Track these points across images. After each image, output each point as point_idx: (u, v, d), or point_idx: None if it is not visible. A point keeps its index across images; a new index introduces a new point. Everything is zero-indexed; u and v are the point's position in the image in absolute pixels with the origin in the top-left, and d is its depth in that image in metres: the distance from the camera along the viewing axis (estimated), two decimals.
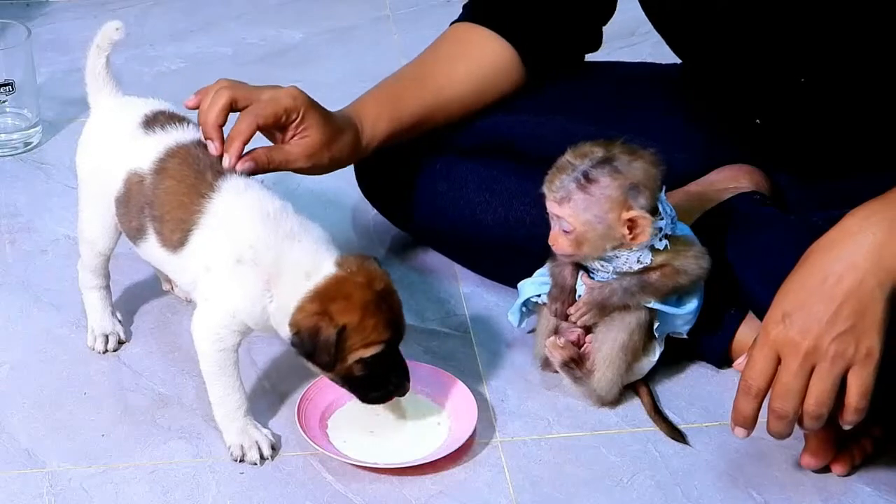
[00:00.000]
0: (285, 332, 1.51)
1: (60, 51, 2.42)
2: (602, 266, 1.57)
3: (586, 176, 1.53)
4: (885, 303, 1.38)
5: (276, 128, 1.60)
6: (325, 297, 1.48)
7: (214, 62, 2.42)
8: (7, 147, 2.15)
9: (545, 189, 1.55)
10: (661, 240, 1.56)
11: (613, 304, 1.58)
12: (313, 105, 1.62)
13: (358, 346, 1.48)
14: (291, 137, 1.61)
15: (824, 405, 1.40)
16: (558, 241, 1.56)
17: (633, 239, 1.54)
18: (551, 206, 1.55)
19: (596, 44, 1.87)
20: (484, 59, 1.80)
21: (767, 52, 1.69)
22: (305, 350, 1.49)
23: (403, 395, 1.55)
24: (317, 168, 1.64)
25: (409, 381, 1.54)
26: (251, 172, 1.56)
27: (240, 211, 1.52)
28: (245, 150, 1.56)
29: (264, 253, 1.50)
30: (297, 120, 1.60)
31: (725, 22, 1.70)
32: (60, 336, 1.76)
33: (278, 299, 1.50)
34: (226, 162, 1.54)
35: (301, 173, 1.66)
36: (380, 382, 1.52)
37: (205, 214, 1.53)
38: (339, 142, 1.65)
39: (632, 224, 1.53)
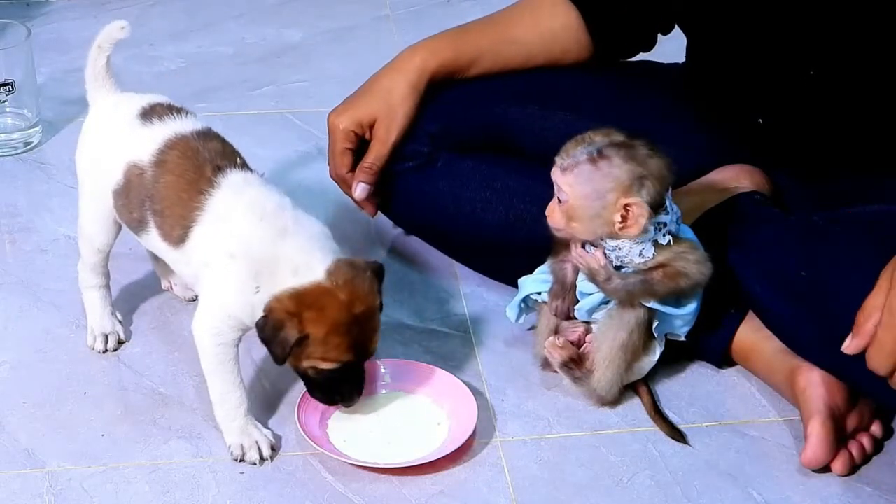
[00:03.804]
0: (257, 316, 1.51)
1: (60, 51, 2.42)
2: (608, 254, 1.57)
3: (600, 152, 1.52)
4: None
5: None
6: (303, 300, 1.48)
7: (214, 62, 2.42)
8: (7, 147, 2.15)
9: (557, 157, 1.55)
10: (664, 235, 1.56)
11: (612, 287, 1.57)
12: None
13: (316, 356, 1.49)
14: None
15: None
16: (553, 213, 1.56)
17: (622, 229, 1.53)
18: (555, 174, 1.55)
19: (667, 28, 1.88)
20: (553, 15, 1.84)
21: (779, 42, 1.69)
22: (264, 336, 1.49)
23: (349, 406, 1.57)
24: (399, 135, 1.79)
25: (359, 395, 1.55)
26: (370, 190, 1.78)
27: (237, 208, 1.52)
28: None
29: (256, 248, 1.49)
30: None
31: (738, 12, 1.70)
32: (60, 336, 1.76)
33: (263, 292, 1.49)
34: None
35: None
36: (329, 389, 1.54)
37: (203, 211, 1.53)
38: (398, 110, 1.78)
39: (626, 212, 1.52)
